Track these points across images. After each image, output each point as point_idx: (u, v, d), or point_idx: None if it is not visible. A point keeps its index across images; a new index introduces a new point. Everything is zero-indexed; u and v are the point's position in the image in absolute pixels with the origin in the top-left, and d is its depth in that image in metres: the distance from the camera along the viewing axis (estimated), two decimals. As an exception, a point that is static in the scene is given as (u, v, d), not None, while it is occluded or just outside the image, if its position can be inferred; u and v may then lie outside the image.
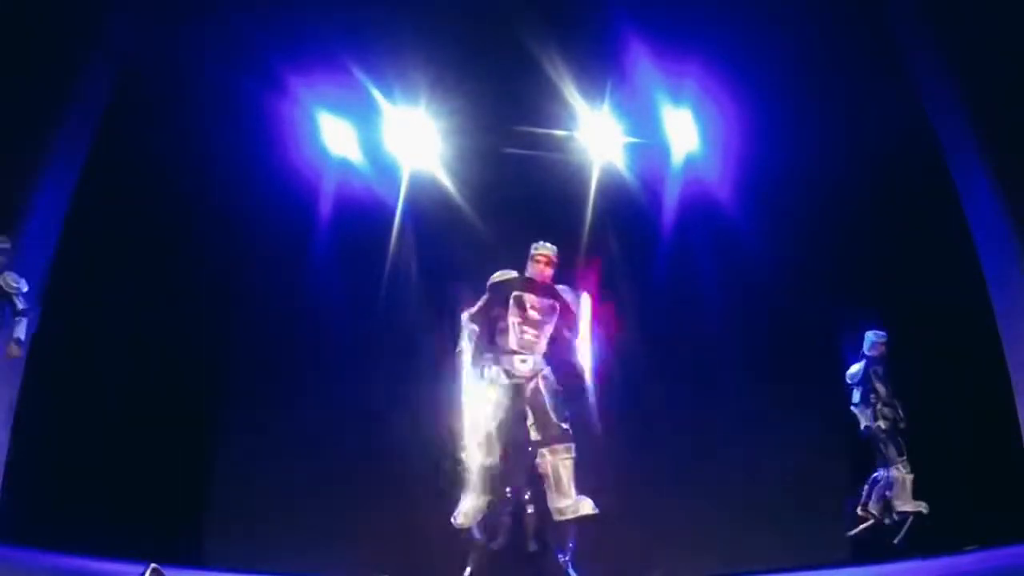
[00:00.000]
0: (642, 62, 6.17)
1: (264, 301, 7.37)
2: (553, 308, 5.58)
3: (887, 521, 6.02)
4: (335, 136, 6.71)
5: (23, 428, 5.37)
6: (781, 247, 7.22)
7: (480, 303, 5.56)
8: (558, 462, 5.34)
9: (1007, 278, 5.56)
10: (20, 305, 5.13)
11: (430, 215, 7.21)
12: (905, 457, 6.01)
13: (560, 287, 5.62)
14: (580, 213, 6.90)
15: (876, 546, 6.04)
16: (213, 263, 7.04)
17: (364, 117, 6.49)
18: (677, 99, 6.31)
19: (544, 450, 5.41)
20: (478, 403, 5.41)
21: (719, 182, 6.94)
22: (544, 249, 5.60)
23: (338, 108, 6.53)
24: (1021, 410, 5.33)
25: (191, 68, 6.36)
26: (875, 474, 6.12)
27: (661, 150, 6.63)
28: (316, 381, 7.25)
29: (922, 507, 5.89)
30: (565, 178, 6.88)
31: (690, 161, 6.73)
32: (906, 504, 5.92)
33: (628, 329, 7.16)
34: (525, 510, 5.86)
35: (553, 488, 5.33)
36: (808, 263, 7.16)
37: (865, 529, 6.10)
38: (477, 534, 5.34)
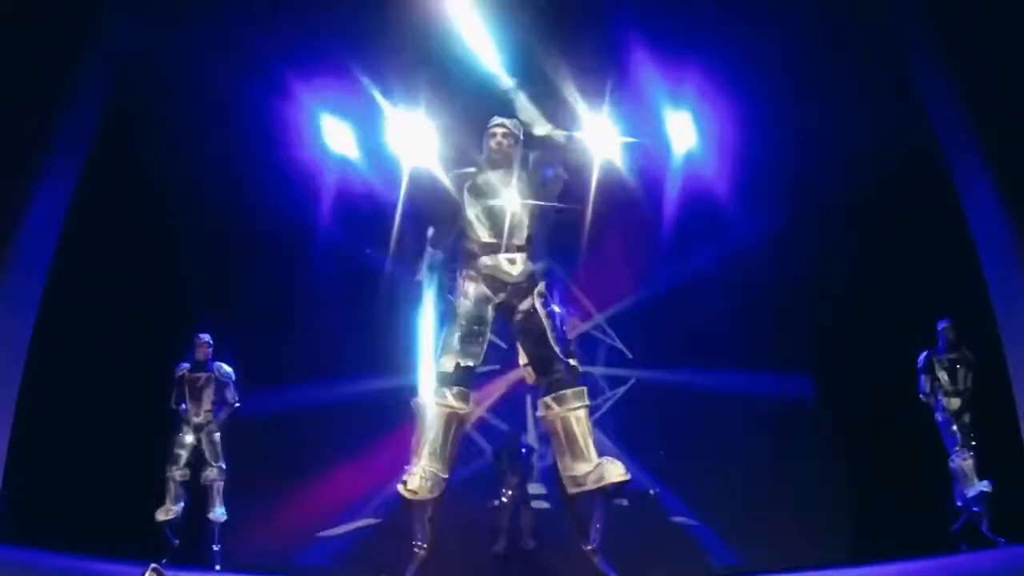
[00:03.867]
0: (643, 62, 6.17)
1: (264, 301, 7.38)
2: (525, 186, 4.30)
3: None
4: (335, 136, 6.72)
5: (23, 428, 5.37)
6: (781, 248, 7.24)
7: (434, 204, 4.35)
8: (568, 414, 4.00)
9: (1007, 278, 5.55)
10: (233, 396, 6.21)
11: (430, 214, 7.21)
12: (965, 445, 5.82)
13: (535, 157, 4.42)
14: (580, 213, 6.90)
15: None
16: (213, 263, 7.05)
17: (364, 117, 6.49)
18: (677, 100, 6.31)
19: (549, 399, 4.06)
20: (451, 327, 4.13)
21: (719, 182, 6.94)
22: (501, 119, 4.44)
23: (338, 108, 6.53)
24: (1021, 410, 5.32)
25: (191, 68, 6.36)
26: (951, 463, 5.89)
27: (661, 150, 6.63)
28: (317, 380, 7.27)
29: (985, 487, 5.63)
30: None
31: (690, 161, 6.74)
32: (971, 488, 5.70)
33: (627, 330, 7.18)
34: (519, 505, 5.86)
35: (565, 450, 3.99)
36: (808, 263, 7.17)
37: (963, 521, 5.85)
38: (420, 537, 4.07)
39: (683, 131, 6.53)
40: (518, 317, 4.18)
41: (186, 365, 6.23)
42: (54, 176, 5.70)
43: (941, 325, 6.15)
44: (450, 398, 4.02)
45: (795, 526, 6.62)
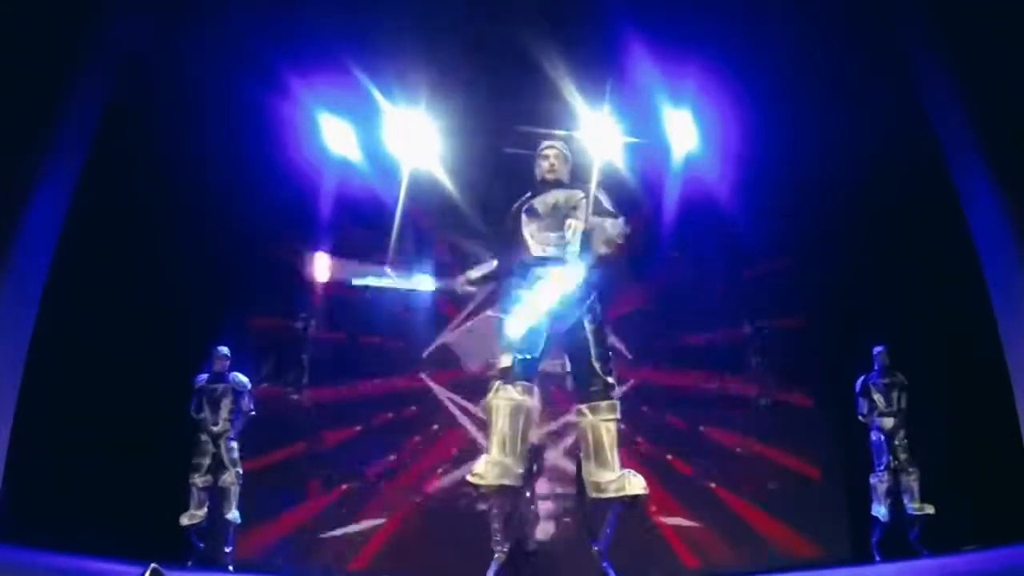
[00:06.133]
0: (642, 62, 6.17)
1: (264, 302, 7.38)
2: (571, 202, 4.53)
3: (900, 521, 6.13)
4: (335, 136, 6.73)
5: (23, 428, 5.37)
6: (781, 249, 7.24)
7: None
8: (599, 424, 4.22)
9: (1008, 278, 5.55)
10: (248, 405, 6.44)
11: (430, 215, 7.23)
12: (910, 462, 6.20)
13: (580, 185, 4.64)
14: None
15: (885, 545, 6.11)
16: (213, 263, 7.05)
17: (364, 117, 6.51)
18: (677, 99, 6.31)
19: (584, 407, 4.29)
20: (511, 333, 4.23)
21: (719, 183, 6.95)
22: (551, 142, 4.74)
23: (338, 108, 6.53)
24: (1021, 410, 5.32)
25: (191, 68, 6.36)
26: (872, 479, 6.27)
27: (661, 150, 6.64)
28: (318, 381, 7.28)
29: (928, 509, 6.02)
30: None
31: (690, 161, 6.74)
32: (913, 506, 6.09)
33: (628, 331, 7.17)
34: (526, 504, 5.86)
35: (592, 457, 4.21)
36: (807, 263, 7.17)
37: (879, 530, 6.19)
38: (499, 534, 4.25)
39: (683, 131, 6.53)
40: (565, 328, 4.31)
41: (204, 376, 6.44)
42: (54, 176, 5.69)
43: (876, 351, 6.47)
44: (515, 392, 4.14)
45: (798, 526, 6.64)
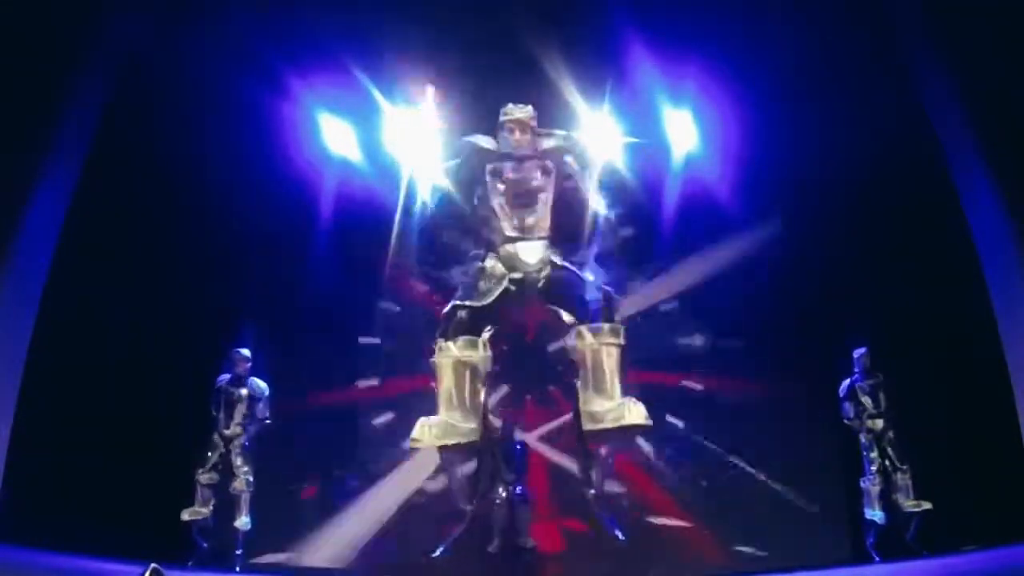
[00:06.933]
0: (642, 62, 6.17)
1: (264, 302, 7.37)
2: (546, 172, 4.35)
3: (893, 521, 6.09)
4: (335, 136, 6.72)
5: (23, 428, 5.37)
6: (781, 249, 7.23)
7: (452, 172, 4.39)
8: (601, 347, 3.91)
9: (1007, 278, 5.56)
10: (263, 411, 6.36)
11: (430, 214, 7.22)
12: (901, 460, 6.16)
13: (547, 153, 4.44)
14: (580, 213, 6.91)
15: (883, 546, 6.09)
16: (213, 263, 7.05)
17: (364, 117, 6.50)
18: (677, 99, 6.31)
19: (584, 329, 3.98)
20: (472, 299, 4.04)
21: (719, 183, 6.94)
22: (516, 112, 4.42)
23: (338, 108, 6.53)
24: (1021, 410, 5.33)
25: (191, 68, 6.36)
26: (862, 483, 6.25)
27: (661, 150, 6.63)
28: (317, 380, 7.28)
29: (925, 505, 5.99)
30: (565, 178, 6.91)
31: (690, 161, 6.74)
32: (909, 504, 6.03)
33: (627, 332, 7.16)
34: (518, 502, 5.86)
35: (590, 382, 3.90)
36: (808, 264, 7.17)
37: (874, 532, 6.16)
38: (461, 492, 4.30)
39: (683, 131, 6.53)
40: (540, 284, 4.11)
41: (226, 377, 6.40)
42: (54, 176, 5.70)
43: (857, 353, 6.45)
44: (455, 349, 3.93)
45: (798, 526, 6.64)
